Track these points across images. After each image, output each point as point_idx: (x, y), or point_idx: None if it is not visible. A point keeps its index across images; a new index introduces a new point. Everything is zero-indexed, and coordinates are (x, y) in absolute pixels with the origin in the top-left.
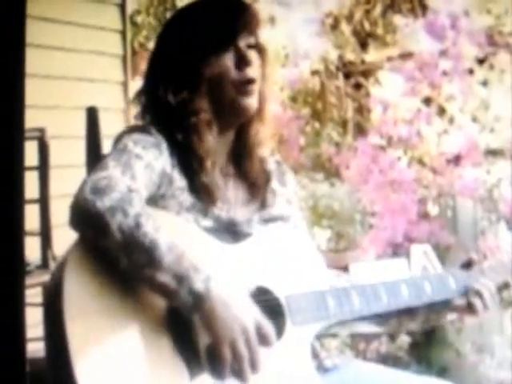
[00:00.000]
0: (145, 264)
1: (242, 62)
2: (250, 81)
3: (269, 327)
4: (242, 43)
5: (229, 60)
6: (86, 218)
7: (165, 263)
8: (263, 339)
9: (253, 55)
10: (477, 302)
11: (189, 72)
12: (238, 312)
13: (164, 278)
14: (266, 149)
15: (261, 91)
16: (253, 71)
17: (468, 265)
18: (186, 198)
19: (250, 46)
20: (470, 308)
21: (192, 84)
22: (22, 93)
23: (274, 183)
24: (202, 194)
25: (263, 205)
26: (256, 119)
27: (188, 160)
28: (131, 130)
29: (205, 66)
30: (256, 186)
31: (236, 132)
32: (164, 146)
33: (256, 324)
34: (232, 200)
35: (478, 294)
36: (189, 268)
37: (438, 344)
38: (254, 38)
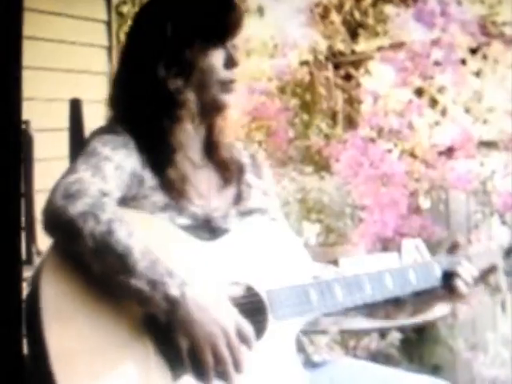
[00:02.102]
0: (118, 270)
1: (231, 62)
2: (234, 81)
3: (248, 328)
4: (230, 43)
5: (219, 58)
6: (58, 223)
7: (138, 269)
8: (243, 341)
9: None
10: (459, 283)
11: (183, 58)
12: (217, 314)
13: (138, 284)
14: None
15: None
16: (236, 72)
17: (453, 248)
18: (159, 198)
19: (234, 47)
20: (453, 291)
21: (186, 71)
22: (19, 85)
23: (249, 176)
24: (172, 189)
25: (239, 197)
26: None
27: (158, 155)
28: (99, 131)
29: (197, 56)
30: (227, 168)
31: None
32: (132, 145)
33: (236, 325)
34: (206, 193)
35: (459, 276)
36: (163, 273)
37: (430, 341)
38: (236, 39)
